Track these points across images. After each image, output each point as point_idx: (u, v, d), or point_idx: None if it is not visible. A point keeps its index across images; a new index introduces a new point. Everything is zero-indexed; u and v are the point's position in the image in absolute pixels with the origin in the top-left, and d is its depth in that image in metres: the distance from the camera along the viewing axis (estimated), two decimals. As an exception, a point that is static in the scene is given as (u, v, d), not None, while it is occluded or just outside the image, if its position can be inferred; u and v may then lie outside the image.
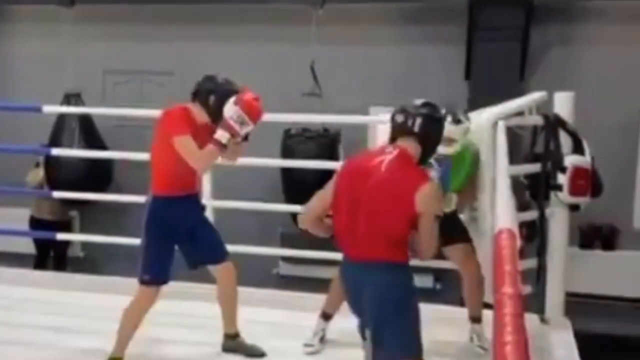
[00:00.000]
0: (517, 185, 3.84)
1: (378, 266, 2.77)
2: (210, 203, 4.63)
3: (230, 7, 7.20)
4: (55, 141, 6.98)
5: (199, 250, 3.61)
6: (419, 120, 2.82)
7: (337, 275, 3.70)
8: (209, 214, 4.59)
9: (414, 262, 4.56)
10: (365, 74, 6.83)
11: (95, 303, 4.48)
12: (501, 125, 3.73)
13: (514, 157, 3.94)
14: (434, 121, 2.87)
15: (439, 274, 6.72)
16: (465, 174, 3.67)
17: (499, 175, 3.47)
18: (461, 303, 4.12)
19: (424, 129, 2.82)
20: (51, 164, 6.90)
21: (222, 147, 3.32)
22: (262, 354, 3.76)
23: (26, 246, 7.19)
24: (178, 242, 3.57)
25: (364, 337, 2.89)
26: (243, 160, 4.71)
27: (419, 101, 2.95)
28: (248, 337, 3.84)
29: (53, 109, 6.39)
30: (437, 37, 6.74)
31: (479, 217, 3.76)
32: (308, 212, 2.98)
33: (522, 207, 4.08)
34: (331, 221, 2.94)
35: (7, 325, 4.14)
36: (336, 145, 6.62)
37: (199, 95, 3.47)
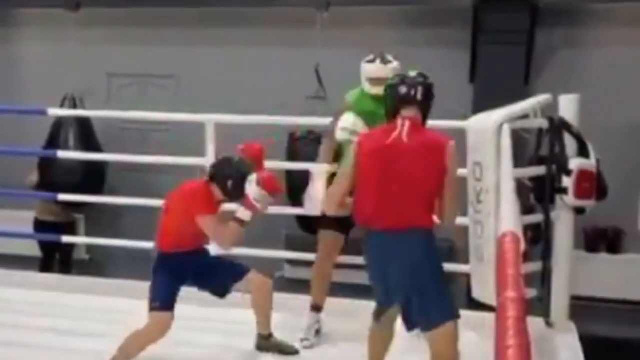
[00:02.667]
0: (522, 188, 3.83)
1: (418, 233, 2.97)
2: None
3: (234, 10, 7.21)
4: (51, 143, 6.99)
5: (218, 279, 3.75)
6: (420, 89, 3.08)
7: (319, 269, 4.05)
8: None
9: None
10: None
11: (100, 306, 4.49)
12: (506, 128, 3.72)
13: (519, 160, 3.94)
14: (431, 88, 3.14)
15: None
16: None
17: (504, 178, 3.47)
18: (468, 306, 4.12)
19: (425, 97, 3.09)
20: (45, 165, 6.91)
21: (245, 224, 3.58)
22: (295, 352, 3.86)
23: (32, 249, 7.21)
24: (188, 283, 3.72)
25: (381, 315, 3.13)
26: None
27: (412, 73, 3.17)
28: (254, 340, 3.86)
29: (58, 112, 6.42)
30: (442, 40, 6.73)
31: (483, 220, 3.75)
32: (333, 197, 3.15)
33: (527, 210, 4.08)
34: (351, 201, 3.13)
35: (13, 328, 4.15)
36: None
37: (217, 179, 3.64)
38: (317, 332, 4.01)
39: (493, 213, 3.58)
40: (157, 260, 3.69)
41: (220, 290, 3.76)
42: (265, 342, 3.87)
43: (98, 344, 3.82)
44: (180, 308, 3.61)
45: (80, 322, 4.24)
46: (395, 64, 3.89)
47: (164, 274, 3.64)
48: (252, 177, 3.59)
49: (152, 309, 3.58)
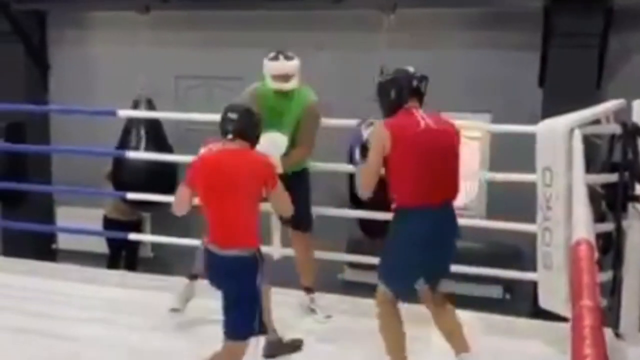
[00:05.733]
0: (593, 195, 3.72)
1: (453, 206, 3.40)
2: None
3: (300, 13, 7.24)
4: (123, 144, 7.14)
5: None
6: (425, 83, 3.43)
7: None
8: (275, 220, 4.63)
9: (482, 271, 4.49)
10: (436, 80, 6.72)
11: (163, 302, 4.56)
12: (577, 133, 3.61)
13: (590, 166, 3.82)
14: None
15: (508, 284, 6.58)
16: (296, 117, 4.10)
17: (576, 185, 3.36)
18: (533, 314, 4.02)
19: (425, 89, 3.43)
20: (117, 165, 7.07)
21: None
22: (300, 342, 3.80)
23: (100, 246, 7.39)
24: None
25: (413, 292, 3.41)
26: (310, 165, 4.75)
27: (410, 68, 3.45)
28: (307, 341, 3.86)
29: (128, 113, 6.56)
30: (511, 42, 6.61)
31: (552, 227, 3.65)
32: (372, 179, 3.32)
33: (598, 217, 3.95)
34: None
35: (78, 321, 4.26)
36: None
37: (250, 136, 3.37)
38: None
39: (563, 220, 3.49)
40: (249, 268, 3.17)
41: None
42: (278, 347, 3.64)
43: (160, 341, 3.89)
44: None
45: (143, 318, 4.31)
46: (296, 60, 4.11)
47: (258, 289, 3.17)
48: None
49: (238, 337, 3.19)
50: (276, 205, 3.41)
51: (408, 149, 3.25)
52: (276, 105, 4.06)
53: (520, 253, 6.37)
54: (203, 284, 3.39)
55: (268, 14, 7.35)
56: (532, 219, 3.81)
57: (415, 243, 3.28)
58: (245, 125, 3.31)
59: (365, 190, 3.39)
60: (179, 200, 3.38)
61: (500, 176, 4.94)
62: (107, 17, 8.00)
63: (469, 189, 6.89)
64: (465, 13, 6.88)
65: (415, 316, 3.52)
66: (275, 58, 4.08)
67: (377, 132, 3.31)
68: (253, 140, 3.37)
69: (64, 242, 8.06)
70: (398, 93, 3.38)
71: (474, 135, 6.86)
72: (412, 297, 3.48)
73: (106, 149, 6.92)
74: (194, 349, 3.44)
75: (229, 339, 3.18)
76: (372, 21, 6.65)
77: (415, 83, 3.40)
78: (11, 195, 7.48)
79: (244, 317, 3.16)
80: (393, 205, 3.36)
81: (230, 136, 3.30)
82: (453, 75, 6.72)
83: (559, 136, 3.62)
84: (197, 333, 3.82)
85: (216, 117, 6.15)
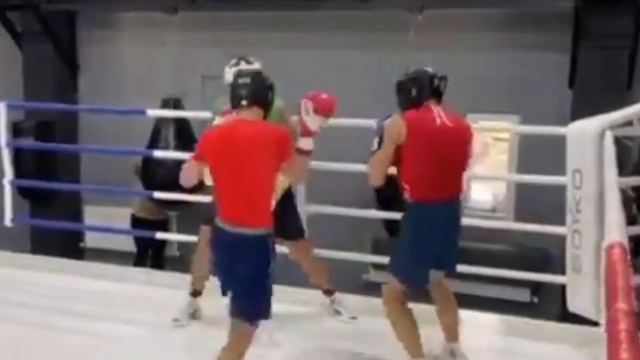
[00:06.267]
0: (624, 197, 3.66)
1: (460, 200, 3.49)
2: (303, 208, 4.65)
3: (327, 14, 7.24)
4: (152, 143, 7.17)
5: None
6: (444, 83, 3.44)
7: (201, 257, 3.96)
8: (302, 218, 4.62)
9: (510, 274, 4.44)
10: (465, 81, 6.70)
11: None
12: (609, 135, 3.56)
13: (621, 168, 3.76)
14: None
15: (536, 287, 6.52)
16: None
17: (608, 188, 3.31)
18: (561, 318, 3.98)
19: (445, 89, 3.45)
20: (146, 165, 7.11)
21: (311, 153, 3.45)
22: None
23: (128, 244, 7.45)
24: None
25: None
26: (336, 166, 4.74)
27: (429, 69, 3.45)
28: (331, 342, 3.82)
29: (157, 112, 6.61)
30: (540, 43, 6.55)
31: (582, 229, 3.61)
32: (383, 168, 3.41)
33: (628, 220, 3.89)
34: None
35: (104, 319, 4.29)
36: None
37: (265, 102, 3.20)
38: (193, 315, 4.14)
39: (593, 223, 3.44)
40: (270, 248, 3.04)
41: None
42: None
43: (184, 338, 3.90)
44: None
45: (169, 316, 4.32)
46: (257, 64, 4.06)
47: (270, 271, 3.04)
48: (308, 106, 3.39)
49: (247, 319, 3.06)
50: (290, 174, 3.41)
51: (422, 142, 3.32)
52: None
53: (548, 256, 6.32)
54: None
55: (295, 15, 7.36)
56: (561, 222, 3.77)
57: (424, 235, 3.35)
58: (259, 88, 3.18)
59: (374, 175, 3.48)
60: (187, 174, 3.34)
61: (529, 178, 4.89)
62: (136, 18, 8.07)
63: (497, 191, 6.85)
64: (494, 14, 6.83)
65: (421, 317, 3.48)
66: (237, 64, 4.11)
67: (394, 121, 3.38)
68: (267, 106, 3.20)
69: (91, 240, 8.15)
70: (419, 91, 3.42)
71: (502, 136, 6.81)
72: (422, 289, 3.49)
73: (134, 148, 6.97)
74: (216, 346, 3.45)
75: (236, 321, 3.07)
76: (400, 21, 6.63)
77: (436, 82, 3.44)
78: (40, 194, 7.57)
79: (256, 300, 3.05)
80: (403, 197, 3.40)
81: (244, 102, 3.13)
82: (482, 77, 6.67)
83: (589, 138, 3.57)
84: (220, 330, 3.81)
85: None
